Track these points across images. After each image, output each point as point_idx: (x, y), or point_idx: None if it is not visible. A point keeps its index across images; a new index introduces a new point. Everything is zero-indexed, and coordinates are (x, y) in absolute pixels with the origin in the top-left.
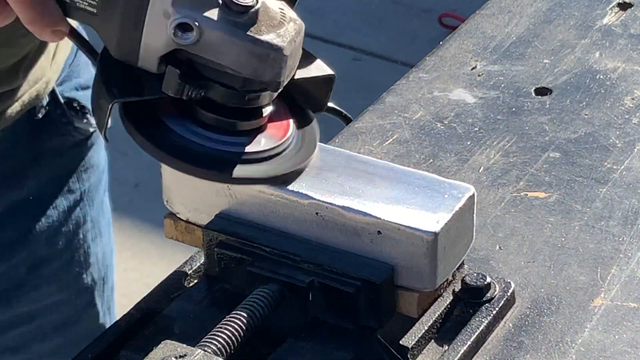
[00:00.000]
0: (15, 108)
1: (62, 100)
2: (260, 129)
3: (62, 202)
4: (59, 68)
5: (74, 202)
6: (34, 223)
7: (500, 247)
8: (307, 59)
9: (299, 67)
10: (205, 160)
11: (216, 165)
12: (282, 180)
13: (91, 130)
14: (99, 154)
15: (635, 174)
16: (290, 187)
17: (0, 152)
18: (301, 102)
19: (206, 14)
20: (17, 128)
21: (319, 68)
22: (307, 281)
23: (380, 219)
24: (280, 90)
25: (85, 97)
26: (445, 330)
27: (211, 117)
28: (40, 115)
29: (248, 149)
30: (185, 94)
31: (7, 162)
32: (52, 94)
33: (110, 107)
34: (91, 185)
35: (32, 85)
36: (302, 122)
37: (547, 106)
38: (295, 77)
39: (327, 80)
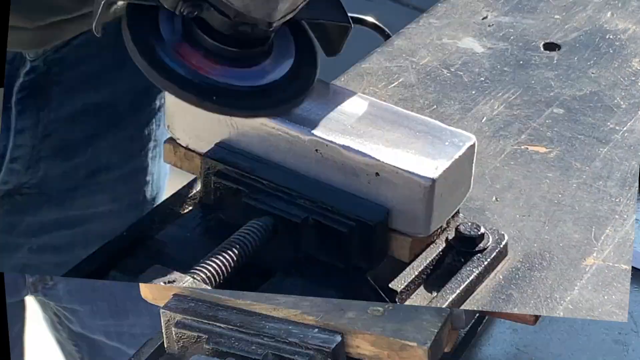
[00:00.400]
0: (106, 11)
1: None
2: (261, 57)
3: (133, 116)
4: None
5: (144, 118)
6: (102, 129)
7: (496, 199)
8: (330, 1)
9: (319, 8)
10: (192, 87)
11: (203, 94)
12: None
13: None
14: None
15: (637, 136)
16: (292, 122)
17: (87, 53)
18: (316, 39)
19: None
20: (107, 32)
21: (338, 15)
22: (301, 217)
23: (379, 160)
24: (273, 29)
25: None
26: (435, 277)
27: (211, 43)
28: None
29: (246, 82)
30: (179, 9)
31: (91, 63)
32: None
33: (102, 2)
34: (162, 106)
35: None
36: (307, 56)
37: (555, 62)
38: (311, 17)
39: (342, 28)
